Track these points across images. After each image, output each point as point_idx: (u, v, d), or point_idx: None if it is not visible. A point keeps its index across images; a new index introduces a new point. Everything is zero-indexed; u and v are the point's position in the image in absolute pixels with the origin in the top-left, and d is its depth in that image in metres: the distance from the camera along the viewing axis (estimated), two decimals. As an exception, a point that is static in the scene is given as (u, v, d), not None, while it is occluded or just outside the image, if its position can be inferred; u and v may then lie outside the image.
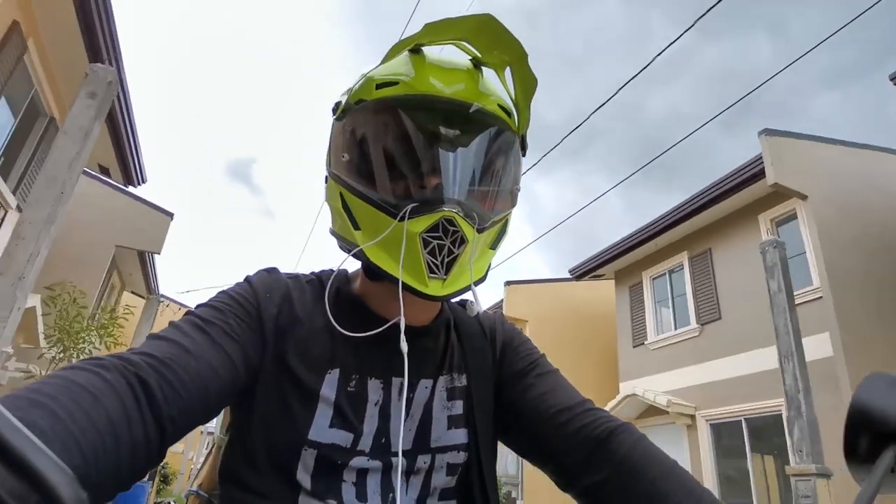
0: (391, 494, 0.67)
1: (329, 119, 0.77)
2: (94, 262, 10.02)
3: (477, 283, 0.68)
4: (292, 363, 0.67)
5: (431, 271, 0.63)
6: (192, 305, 0.68)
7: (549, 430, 0.71)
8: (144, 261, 11.81)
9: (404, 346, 0.64)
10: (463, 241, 0.64)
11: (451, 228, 0.63)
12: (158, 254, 10.90)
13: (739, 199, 8.97)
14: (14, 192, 6.88)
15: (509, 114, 0.71)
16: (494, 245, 0.73)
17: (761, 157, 7.99)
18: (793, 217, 8.52)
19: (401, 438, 0.67)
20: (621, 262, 11.79)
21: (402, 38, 0.68)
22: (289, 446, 0.64)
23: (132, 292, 14.40)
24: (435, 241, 0.63)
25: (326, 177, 0.75)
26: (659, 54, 5.34)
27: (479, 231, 0.66)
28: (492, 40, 0.67)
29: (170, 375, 0.53)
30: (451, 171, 0.66)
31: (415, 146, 0.66)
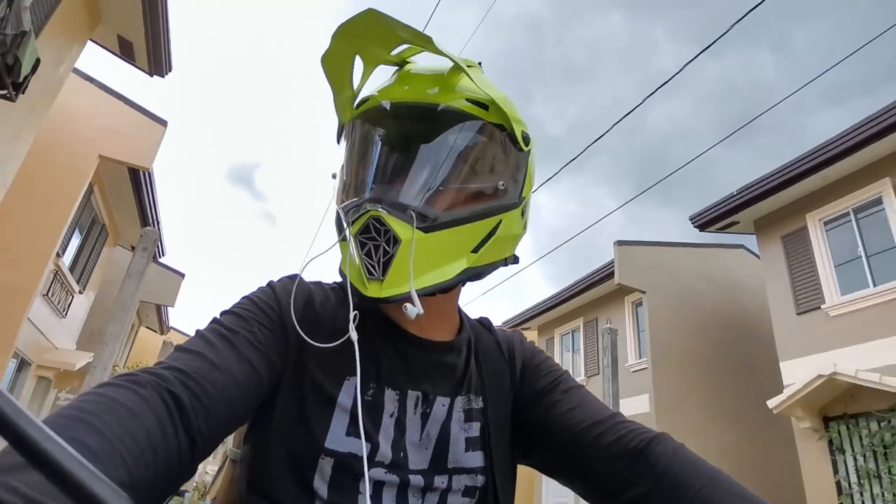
0: None
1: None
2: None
3: (440, 288, 0.65)
4: (311, 369, 0.66)
5: (369, 273, 0.63)
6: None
7: (581, 445, 0.69)
8: (159, 308, 14.95)
9: (354, 335, 0.63)
10: (396, 240, 0.61)
11: (382, 228, 0.61)
12: (172, 307, 13.93)
13: (609, 286, 11.94)
14: (77, 281, 9.89)
15: (487, 107, 0.68)
16: (477, 248, 0.67)
17: (613, 262, 11.00)
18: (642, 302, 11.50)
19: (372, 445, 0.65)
20: (542, 318, 14.74)
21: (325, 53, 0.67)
22: (306, 454, 0.63)
23: (147, 327, 17.60)
24: (370, 243, 0.62)
25: None
26: (677, 73, 5.29)
27: (429, 230, 0.63)
28: (401, 32, 0.65)
29: (197, 389, 0.54)
30: (396, 172, 0.66)
31: (372, 155, 0.69)
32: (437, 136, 0.67)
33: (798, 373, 7.77)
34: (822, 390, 7.25)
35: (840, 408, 7.38)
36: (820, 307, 7.96)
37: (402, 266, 0.62)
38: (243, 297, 0.69)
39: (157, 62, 6.95)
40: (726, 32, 4.75)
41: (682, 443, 0.66)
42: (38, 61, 4.36)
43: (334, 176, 0.74)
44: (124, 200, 9.73)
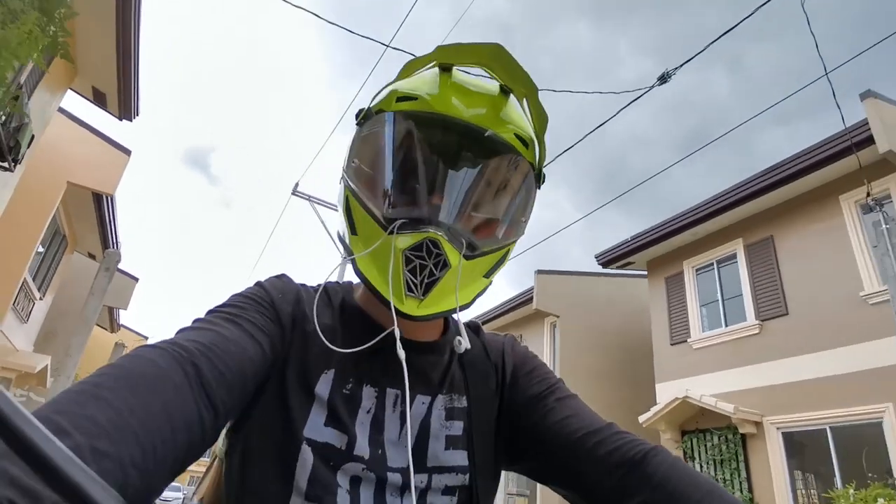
0: None
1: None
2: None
3: (460, 309, 0.68)
4: (294, 361, 0.67)
5: (409, 290, 0.64)
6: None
7: (578, 454, 0.69)
8: (111, 307, 15.61)
9: (401, 353, 0.65)
10: (446, 264, 0.64)
11: (435, 251, 0.63)
12: (125, 309, 14.64)
13: (530, 308, 13.46)
14: (39, 288, 10.61)
15: (527, 144, 0.70)
16: (489, 274, 0.72)
17: (533, 289, 12.50)
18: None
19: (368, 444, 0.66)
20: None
21: (416, 57, 0.70)
22: (287, 442, 0.63)
23: (97, 325, 18.12)
24: (417, 261, 0.64)
25: (341, 178, 0.75)
26: (651, 87, 5.47)
27: (469, 258, 0.66)
28: (505, 71, 0.68)
29: (216, 360, 0.54)
30: (447, 192, 0.67)
31: (419, 162, 0.68)
32: (490, 167, 0.69)
33: (667, 393, 9.40)
34: (679, 410, 8.89)
35: (694, 423, 9.05)
36: (686, 340, 9.64)
37: (443, 289, 0.65)
38: (233, 295, 0.68)
39: (126, 109, 7.93)
40: (708, 47, 4.96)
41: (678, 456, 0.65)
42: (32, 137, 5.38)
43: (354, 162, 0.73)
44: (85, 213, 10.51)
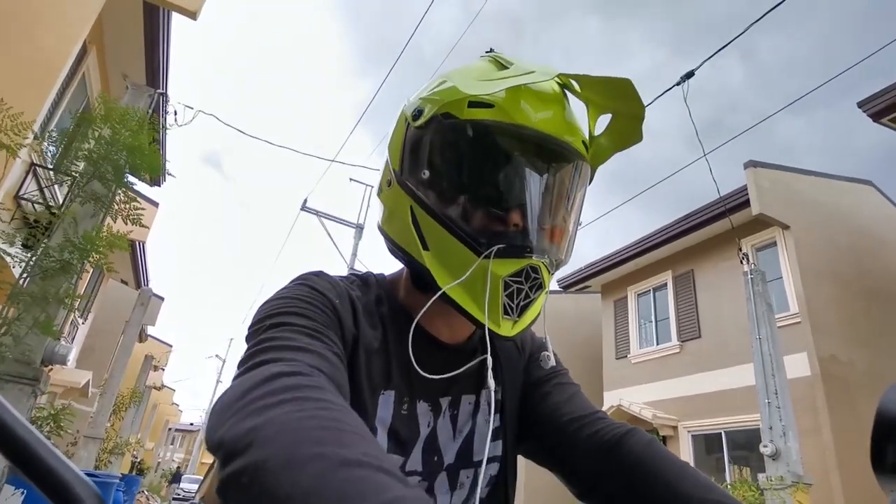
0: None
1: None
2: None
3: (535, 318, 0.70)
4: (356, 380, 0.65)
5: (506, 313, 0.64)
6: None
7: (562, 437, 0.73)
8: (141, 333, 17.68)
9: (491, 383, 0.66)
10: (541, 286, 0.65)
11: (534, 275, 0.64)
12: (153, 325, 16.65)
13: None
14: (81, 315, 12.57)
15: (588, 148, 0.70)
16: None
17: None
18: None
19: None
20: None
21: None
22: None
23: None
24: (515, 286, 0.63)
25: (390, 180, 0.72)
26: (669, 90, 5.53)
27: (552, 273, 0.68)
28: (619, 93, 0.65)
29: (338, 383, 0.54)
30: (542, 214, 0.66)
31: (505, 180, 0.66)
32: (568, 180, 0.69)
33: (610, 401, 11.11)
34: (614, 415, 10.59)
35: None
36: (627, 356, 11.31)
37: (536, 308, 0.68)
38: (288, 298, 0.62)
39: (154, 181, 9.80)
40: (725, 46, 5.10)
41: (653, 437, 0.69)
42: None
43: (424, 174, 0.67)
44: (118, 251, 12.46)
